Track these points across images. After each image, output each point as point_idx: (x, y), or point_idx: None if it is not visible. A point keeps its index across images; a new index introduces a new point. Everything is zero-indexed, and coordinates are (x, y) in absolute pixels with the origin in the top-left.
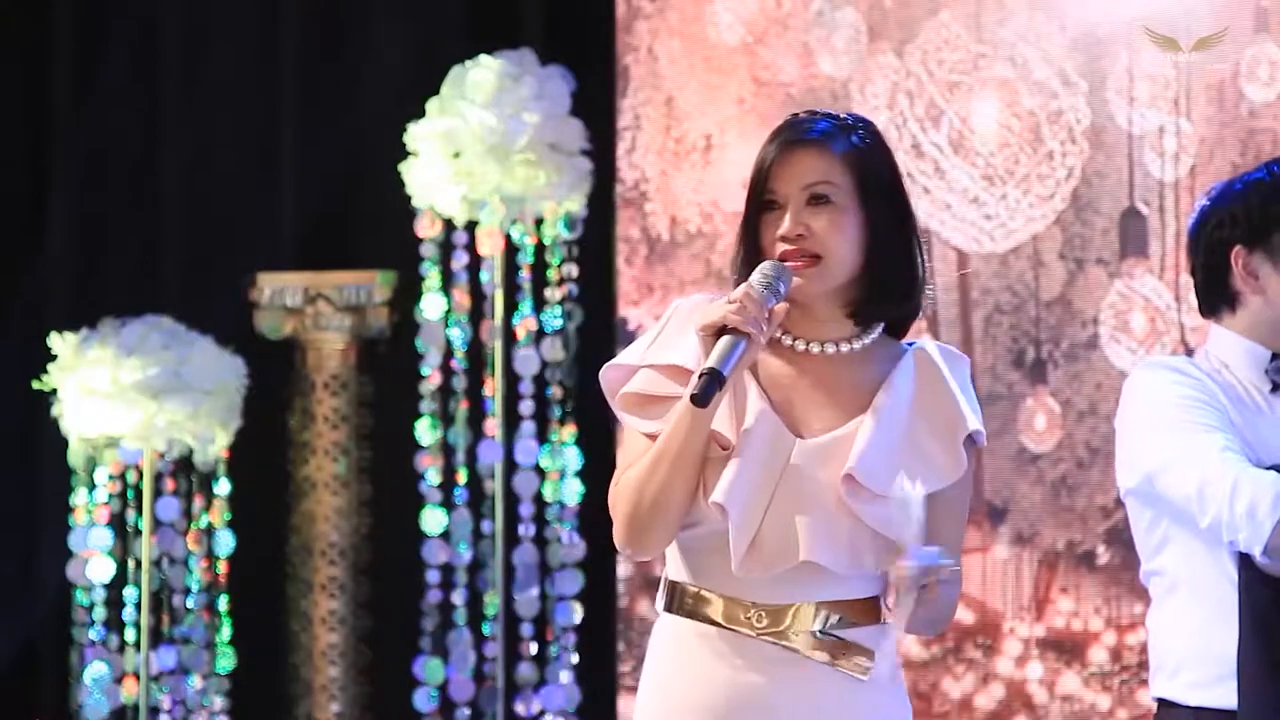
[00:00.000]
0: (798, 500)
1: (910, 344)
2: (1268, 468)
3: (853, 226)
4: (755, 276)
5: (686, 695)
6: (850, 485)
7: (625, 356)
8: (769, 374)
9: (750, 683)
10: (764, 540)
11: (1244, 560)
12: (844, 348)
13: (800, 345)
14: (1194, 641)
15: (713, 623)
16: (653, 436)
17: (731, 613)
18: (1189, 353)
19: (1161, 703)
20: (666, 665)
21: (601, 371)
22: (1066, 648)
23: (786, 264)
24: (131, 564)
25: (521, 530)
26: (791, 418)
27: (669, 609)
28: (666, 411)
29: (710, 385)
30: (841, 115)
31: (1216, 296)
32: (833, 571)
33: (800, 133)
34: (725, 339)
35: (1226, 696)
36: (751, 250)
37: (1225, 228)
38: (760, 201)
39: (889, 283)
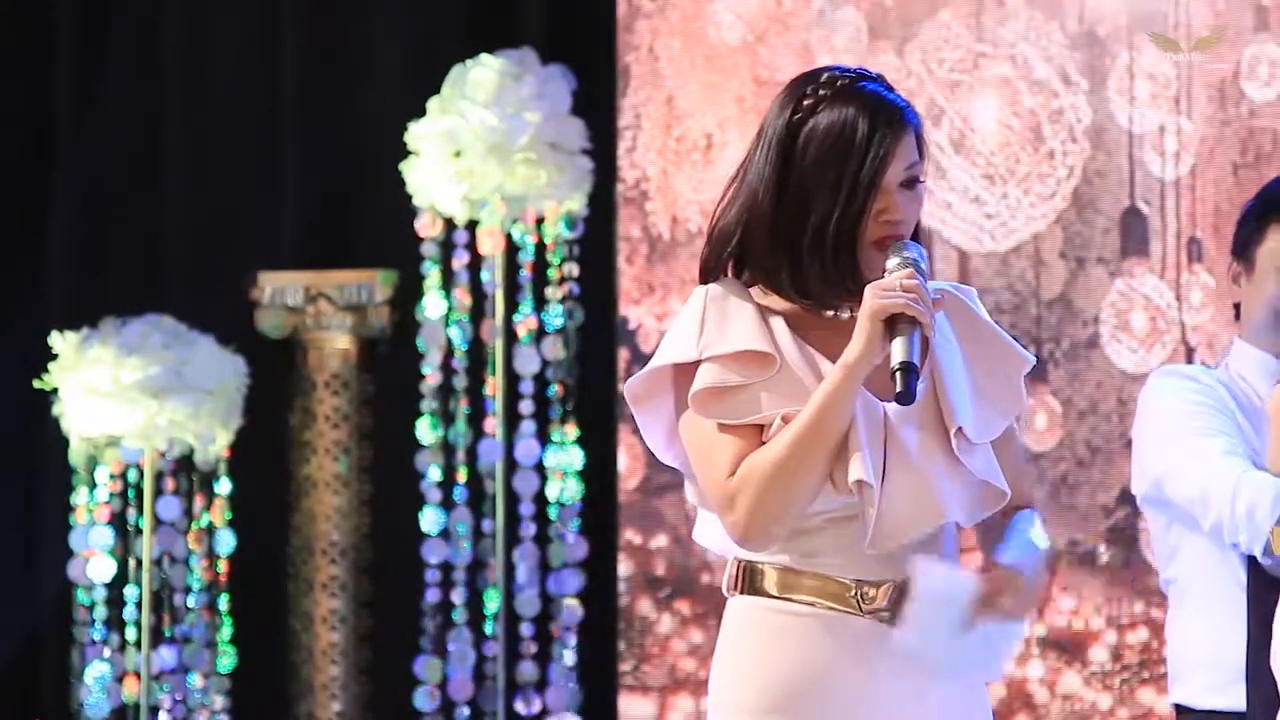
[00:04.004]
0: (910, 465)
1: None
2: None
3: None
4: (898, 264)
5: (777, 678)
6: (958, 438)
7: (665, 357)
8: (829, 348)
9: (846, 663)
10: (890, 510)
11: (1253, 565)
12: None
13: (844, 314)
14: (1205, 646)
15: (807, 603)
16: (737, 429)
17: (833, 591)
18: (1190, 351)
19: (1178, 709)
20: (753, 649)
21: (629, 382)
22: (1067, 647)
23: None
24: (132, 563)
25: (522, 530)
26: (869, 384)
27: (745, 591)
28: (745, 400)
29: (913, 380)
30: (885, 80)
31: (1233, 306)
32: (937, 541)
33: (902, 117)
34: (904, 333)
35: (1238, 700)
36: (850, 235)
37: (1233, 240)
38: (870, 184)
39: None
